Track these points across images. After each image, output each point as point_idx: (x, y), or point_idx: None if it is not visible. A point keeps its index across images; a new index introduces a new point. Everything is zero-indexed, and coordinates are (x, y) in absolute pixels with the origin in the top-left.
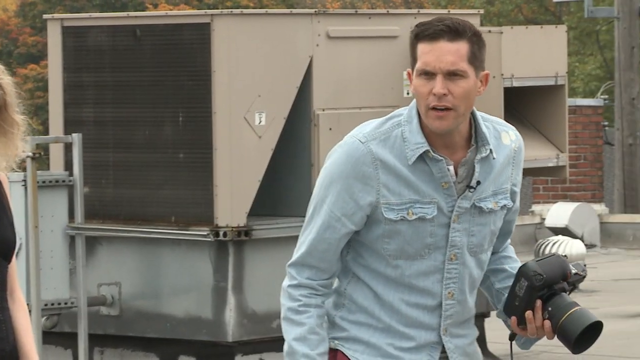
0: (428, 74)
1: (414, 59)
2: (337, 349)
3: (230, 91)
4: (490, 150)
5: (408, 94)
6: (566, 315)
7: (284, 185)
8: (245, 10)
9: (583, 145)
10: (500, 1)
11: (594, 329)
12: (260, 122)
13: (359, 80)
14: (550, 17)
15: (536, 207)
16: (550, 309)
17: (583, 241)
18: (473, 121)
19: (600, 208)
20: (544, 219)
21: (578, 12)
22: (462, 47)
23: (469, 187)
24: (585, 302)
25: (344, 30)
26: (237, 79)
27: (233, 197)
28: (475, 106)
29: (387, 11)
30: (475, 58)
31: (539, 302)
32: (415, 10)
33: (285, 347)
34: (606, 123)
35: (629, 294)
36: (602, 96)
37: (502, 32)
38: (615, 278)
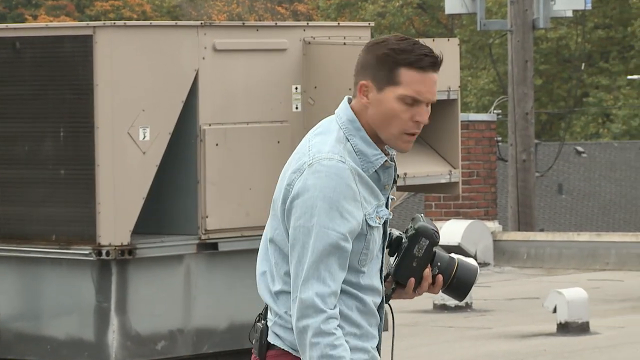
0: (412, 101)
1: (390, 79)
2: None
3: (113, 105)
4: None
5: (297, 108)
6: (456, 267)
7: (169, 202)
8: (128, 22)
9: (476, 162)
10: (391, 14)
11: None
12: (145, 137)
13: (246, 95)
14: (443, 29)
15: None
16: (439, 264)
17: (476, 259)
18: None
19: (493, 225)
20: None
21: (470, 25)
22: (437, 77)
23: (394, 181)
24: (479, 322)
25: (231, 42)
26: (121, 93)
27: (116, 214)
28: (365, 122)
29: (275, 24)
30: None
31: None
32: (304, 23)
33: None
34: (499, 138)
35: (523, 313)
36: (495, 111)
37: None
38: (509, 297)
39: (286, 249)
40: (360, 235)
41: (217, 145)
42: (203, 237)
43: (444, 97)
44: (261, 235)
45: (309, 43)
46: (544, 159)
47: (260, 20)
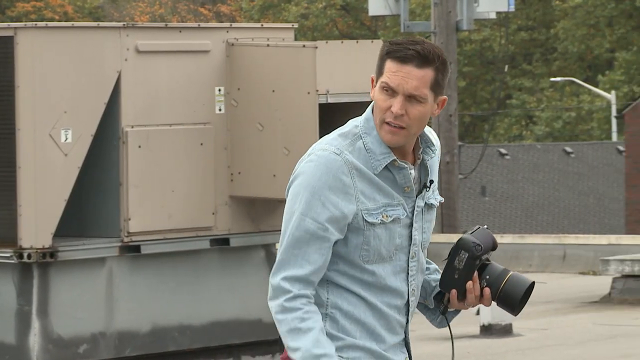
0: (390, 91)
1: (380, 71)
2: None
3: (35, 107)
4: (435, 151)
5: (220, 110)
6: (505, 280)
7: (91, 204)
8: (50, 24)
9: None
10: (314, 15)
11: (528, 292)
12: (67, 139)
13: (169, 96)
14: (366, 31)
15: None
16: (487, 277)
17: None
18: None
19: None
20: None
21: (394, 27)
22: (427, 74)
23: (425, 186)
24: None
25: (154, 44)
26: (42, 95)
27: (38, 217)
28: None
29: (198, 25)
30: (438, 85)
31: (475, 273)
32: (227, 24)
33: (299, 356)
34: None
35: None
36: None
37: (316, 47)
38: None
39: None
40: (357, 230)
41: (139, 147)
42: (126, 239)
43: (368, 98)
44: (184, 237)
45: (232, 44)
46: (468, 161)
47: (183, 22)
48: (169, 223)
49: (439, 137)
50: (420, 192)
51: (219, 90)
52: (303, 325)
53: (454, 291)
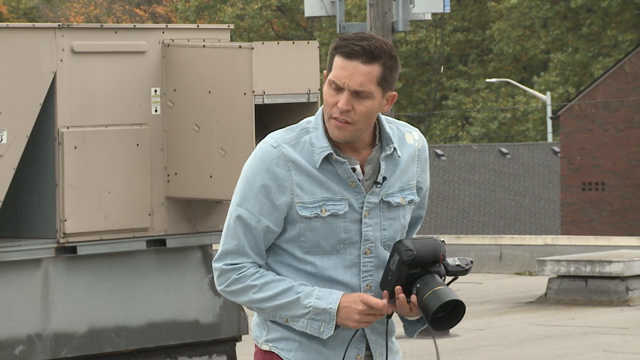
0: (337, 87)
1: (329, 66)
2: (271, 351)
3: None
4: (394, 148)
5: (156, 111)
6: (430, 291)
7: (27, 206)
8: None
9: None
10: (250, 16)
11: (457, 311)
12: (2, 140)
13: (105, 97)
14: (302, 32)
15: None
16: (418, 285)
17: None
18: (378, 123)
19: None
20: None
21: (330, 28)
22: (374, 70)
23: (375, 183)
24: None
25: (90, 45)
26: None
27: None
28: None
29: (134, 26)
30: (385, 81)
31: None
32: (163, 25)
33: (282, 298)
34: None
35: None
36: None
37: (252, 48)
38: None
39: None
40: (293, 222)
41: (75, 148)
42: (62, 240)
43: (304, 99)
44: (121, 239)
45: (168, 45)
46: None
47: (118, 23)
48: (105, 224)
49: None
50: (370, 187)
51: (155, 91)
52: (267, 278)
53: (385, 292)
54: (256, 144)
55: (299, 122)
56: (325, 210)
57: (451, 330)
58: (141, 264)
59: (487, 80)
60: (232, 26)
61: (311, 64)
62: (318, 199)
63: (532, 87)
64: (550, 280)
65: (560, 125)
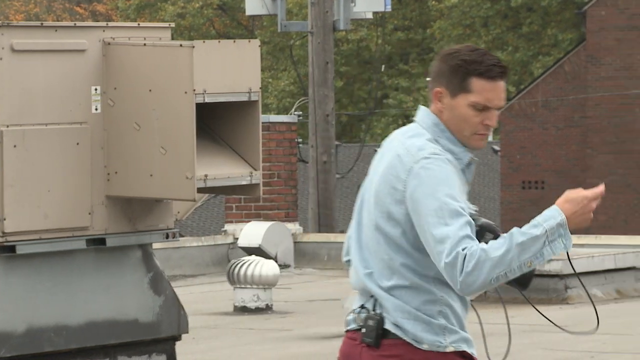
0: (483, 108)
1: (462, 87)
2: (456, 351)
3: None
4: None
5: (97, 109)
6: None
7: None
8: None
9: (277, 163)
10: (191, 15)
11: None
12: None
13: (45, 95)
14: (243, 31)
15: (229, 227)
16: None
17: (277, 261)
18: None
19: (294, 227)
20: (237, 238)
21: (271, 27)
22: (504, 84)
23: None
24: (280, 324)
25: (29, 43)
26: None
27: None
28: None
29: (74, 24)
30: None
31: None
32: (103, 24)
33: (513, 250)
34: (300, 140)
35: (323, 314)
36: (296, 112)
37: (193, 47)
38: (310, 299)
39: (400, 241)
40: None
41: (15, 146)
42: (0, 239)
43: (245, 98)
44: (61, 238)
45: (109, 44)
46: (345, 160)
47: (58, 21)
48: (45, 223)
49: (315, 137)
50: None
51: (95, 89)
52: (486, 247)
53: None
54: (197, 142)
55: (421, 135)
56: (469, 211)
57: None
58: (81, 263)
59: (428, 79)
60: (173, 25)
61: (252, 62)
62: (464, 202)
63: None
64: None
65: (500, 124)
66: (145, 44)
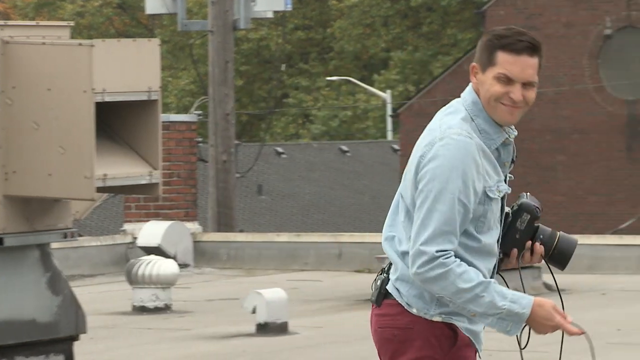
0: (507, 80)
1: (490, 61)
2: (444, 322)
3: None
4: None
5: None
6: (557, 239)
7: None
8: None
9: (177, 162)
10: (90, 13)
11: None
12: None
13: None
14: (143, 30)
15: (128, 226)
16: (541, 236)
17: (176, 261)
18: None
19: (193, 227)
20: (136, 238)
21: (171, 26)
22: (536, 62)
23: (512, 162)
24: (179, 323)
25: None
26: None
27: None
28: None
29: None
30: (541, 69)
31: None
32: (1, 22)
33: (477, 290)
34: (200, 139)
35: (223, 314)
36: (196, 112)
37: (93, 46)
38: (209, 298)
39: (412, 209)
40: (479, 205)
41: None
42: None
43: (144, 97)
44: None
45: (7, 43)
46: (245, 159)
47: None
48: None
49: (215, 136)
50: (510, 165)
51: None
52: (467, 269)
53: (515, 250)
54: (96, 142)
55: (459, 112)
56: (500, 191)
57: (291, 328)
58: None
59: (328, 78)
60: (72, 23)
61: (152, 61)
62: (495, 182)
63: (372, 85)
64: None
65: (400, 123)
66: (44, 43)
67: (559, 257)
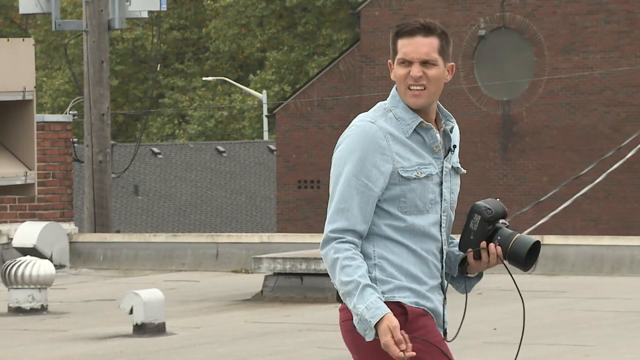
0: (406, 62)
1: (394, 52)
2: (392, 300)
3: None
4: (454, 124)
5: None
6: (513, 239)
7: None
8: None
9: (52, 163)
10: None
11: (535, 250)
12: None
13: None
14: (17, 29)
15: (3, 227)
16: (499, 237)
17: (52, 261)
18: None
19: (69, 227)
20: (11, 238)
21: (45, 25)
22: (433, 41)
23: (450, 149)
24: (55, 325)
25: None
26: None
27: None
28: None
29: None
30: (444, 51)
31: (488, 234)
32: None
33: (350, 287)
34: (76, 139)
35: (99, 315)
36: (71, 112)
37: None
38: (86, 299)
39: None
40: (395, 185)
41: None
42: None
43: (19, 97)
44: None
45: None
46: (121, 160)
47: None
48: None
49: (91, 136)
50: (446, 155)
51: None
52: (353, 263)
53: (470, 251)
54: None
55: (376, 106)
56: (421, 173)
57: (168, 329)
58: None
59: (204, 78)
60: None
61: (26, 61)
62: (413, 164)
63: (248, 86)
64: (267, 277)
65: (276, 124)
66: None
67: (514, 256)
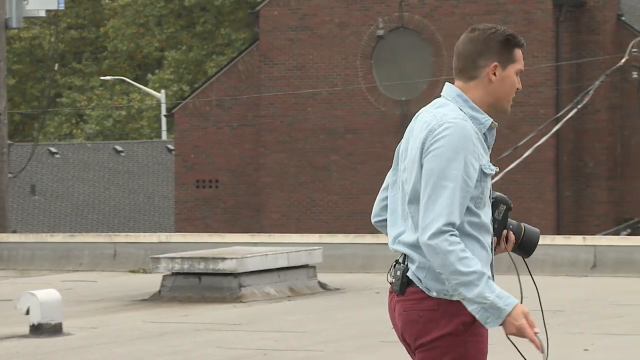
0: (518, 74)
1: (507, 59)
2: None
3: None
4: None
5: None
6: (524, 229)
7: None
8: None
9: None
10: None
11: (533, 239)
12: None
13: None
14: None
15: None
16: (511, 227)
17: None
18: None
19: None
20: None
21: None
22: None
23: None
24: None
25: None
26: None
27: None
28: (471, 96)
29: None
30: None
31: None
32: None
33: (472, 277)
34: None
35: None
36: None
37: None
38: None
39: (418, 198)
40: (477, 182)
41: None
42: None
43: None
44: None
45: None
46: (17, 159)
47: None
48: None
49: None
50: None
51: None
52: (469, 255)
53: (494, 238)
54: None
55: (444, 103)
56: (492, 169)
57: (65, 329)
58: None
59: (102, 78)
60: None
61: None
62: (487, 161)
63: (146, 85)
64: (165, 277)
65: (174, 123)
66: None
67: (527, 244)
